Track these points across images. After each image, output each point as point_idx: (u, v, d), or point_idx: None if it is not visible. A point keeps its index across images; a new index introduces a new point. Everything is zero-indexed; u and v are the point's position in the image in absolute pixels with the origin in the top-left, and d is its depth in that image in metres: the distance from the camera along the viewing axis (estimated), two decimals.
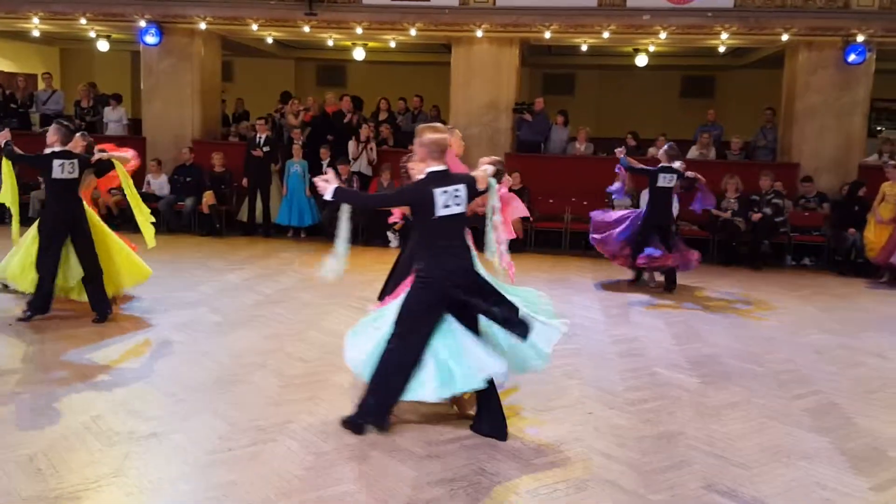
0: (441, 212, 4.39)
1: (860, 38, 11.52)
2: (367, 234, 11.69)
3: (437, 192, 4.38)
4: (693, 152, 12.77)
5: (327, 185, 4.46)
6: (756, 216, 11.08)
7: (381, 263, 9.97)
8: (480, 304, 4.42)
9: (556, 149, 13.14)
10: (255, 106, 15.84)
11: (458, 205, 4.47)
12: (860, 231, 10.67)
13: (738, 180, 11.36)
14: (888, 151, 12.11)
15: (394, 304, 4.68)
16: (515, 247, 11.40)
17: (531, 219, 11.87)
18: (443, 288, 4.42)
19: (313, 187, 12.38)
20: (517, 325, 4.39)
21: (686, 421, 5.01)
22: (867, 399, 5.56)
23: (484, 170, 4.74)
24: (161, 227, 12.24)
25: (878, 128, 16.41)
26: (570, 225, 12.19)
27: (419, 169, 4.73)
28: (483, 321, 4.58)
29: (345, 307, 7.74)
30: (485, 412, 4.58)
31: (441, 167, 4.48)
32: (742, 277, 10.27)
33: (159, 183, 12.65)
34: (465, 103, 12.87)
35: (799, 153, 12.22)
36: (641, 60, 14.32)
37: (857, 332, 7.49)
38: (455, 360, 4.43)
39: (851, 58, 11.65)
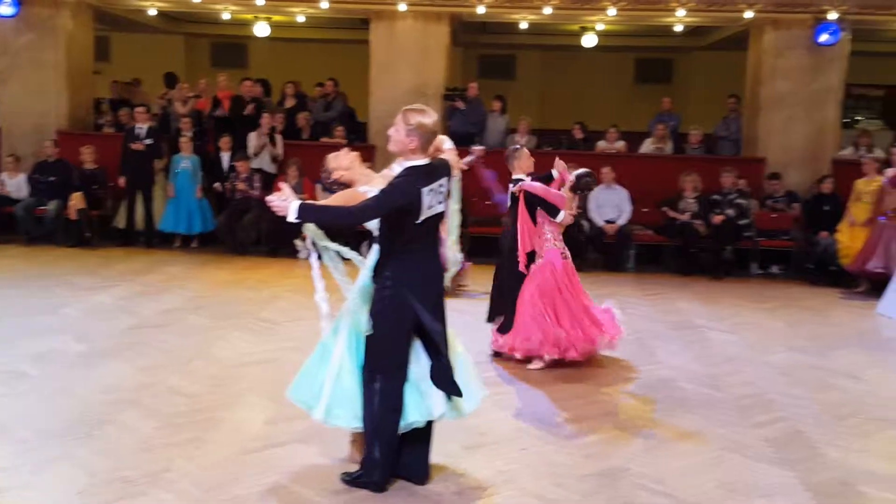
0: (425, 214, 4.22)
1: (832, 16, 11.97)
2: (271, 243, 11.55)
3: (425, 191, 4.18)
4: (647, 146, 13.05)
5: (286, 203, 4.05)
6: (717, 218, 11.37)
7: (287, 278, 9.91)
8: (436, 337, 4.38)
9: (493, 141, 13.24)
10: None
11: (440, 202, 4.33)
12: (833, 234, 11.04)
13: (697, 178, 11.64)
14: (865, 144, 12.59)
15: (344, 331, 4.49)
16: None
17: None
18: (411, 302, 4.29)
19: (207, 187, 12.34)
20: (450, 383, 4.39)
21: (634, 455, 5.08)
22: (837, 426, 5.74)
23: (449, 150, 4.61)
24: (18, 237, 11.93)
25: (855, 117, 17.05)
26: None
27: (358, 174, 4.59)
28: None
29: (241, 329, 7.62)
30: (408, 449, 4.55)
31: (425, 160, 4.27)
32: (702, 288, 10.51)
33: (16, 183, 12.29)
34: (387, 89, 12.88)
35: (765, 146, 12.61)
36: (589, 40, 14.58)
37: (828, 351, 7.74)
38: (411, 387, 4.40)
39: (823, 38, 12.09)
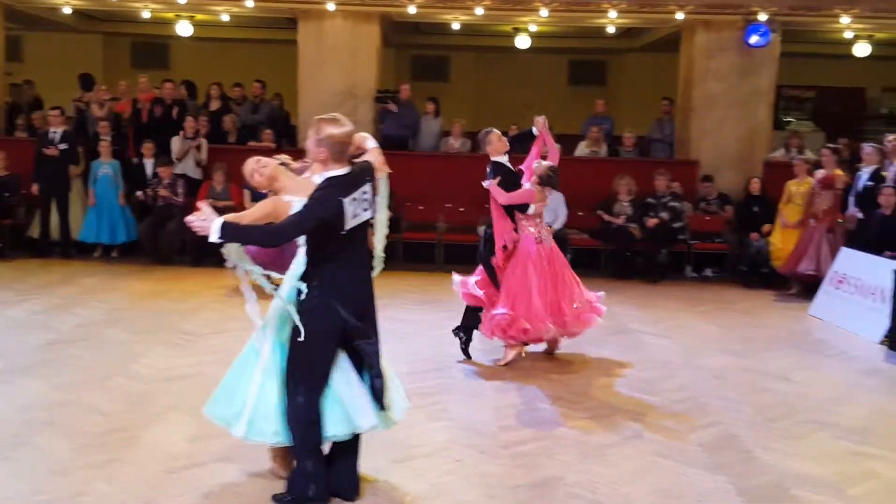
0: (350, 224, 4.23)
1: (762, 17, 12.28)
2: (196, 252, 11.38)
3: (347, 201, 4.19)
4: (582, 149, 13.22)
5: (206, 222, 4.01)
6: (652, 222, 11.59)
7: (212, 288, 9.78)
8: (367, 347, 4.38)
9: (426, 145, 13.28)
10: (51, 92, 15.14)
11: (365, 209, 4.33)
12: (764, 236, 11.31)
13: (632, 181, 11.85)
14: (795, 145, 12.95)
15: (261, 342, 4.49)
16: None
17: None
18: (338, 312, 4.27)
19: (129, 194, 12.10)
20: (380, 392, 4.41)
21: (567, 464, 5.13)
22: (769, 429, 5.88)
23: (373, 149, 4.61)
24: None
25: (787, 118, 17.51)
26: (443, 236, 12.33)
27: (286, 180, 4.55)
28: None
29: (162, 343, 7.50)
30: (335, 464, 4.52)
31: (345, 170, 4.28)
32: (637, 293, 10.68)
33: None
34: (316, 91, 12.81)
35: (698, 149, 12.88)
36: (523, 42, 14.72)
37: (760, 353, 7.94)
38: (333, 400, 4.37)
39: (753, 39, 12.40)
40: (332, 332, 4.31)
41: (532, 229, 7.37)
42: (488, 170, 7.41)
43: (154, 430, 5.39)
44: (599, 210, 11.99)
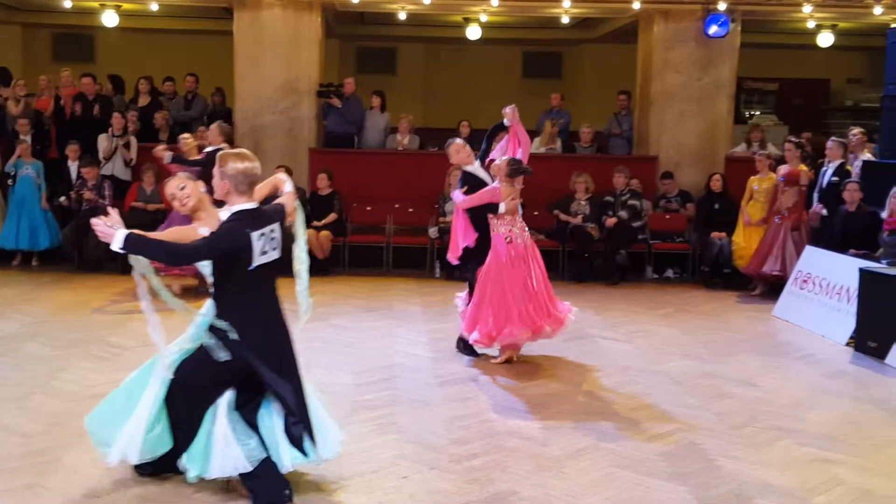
0: (258, 259, 4.42)
1: (722, 6, 12.44)
2: (126, 261, 11.17)
3: (255, 235, 4.38)
4: (536, 145, 13.26)
5: (111, 229, 4.21)
6: (610, 221, 11.68)
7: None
8: (281, 392, 4.49)
9: (372, 141, 13.25)
10: None
11: (274, 249, 4.52)
12: (728, 235, 11.46)
13: (589, 178, 11.93)
14: (757, 140, 13.15)
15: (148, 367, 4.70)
16: (321, 268, 11.50)
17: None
18: (243, 361, 4.45)
19: (51, 197, 11.87)
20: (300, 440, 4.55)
21: (522, 477, 5.15)
22: (732, 436, 5.95)
23: (288, 193, 4.83)
24: None
25: (751, 112, 17.78)
26: (392, 239, 12.29)
27: (204, 206, 4.74)
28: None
29: (87, 358, 7.37)
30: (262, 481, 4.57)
31: (251, 204, 4.49)
32: (596, 295, 10.75)
33: None
34: (255, 85, 12.71)
35: (657, 144, 13.02)
36: (474, 32, 14.76)
37: (723, 357, 8.04)
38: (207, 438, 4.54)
39: (712, 30, 12.56)
40: (226, 381, 4.54)
41: (503, 229, 7.52)
42: (458, 181, 7.72)
43: (76, 452, 5.27)
44: (555, 209, 12.05)
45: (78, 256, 11.54)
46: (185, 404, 4.55)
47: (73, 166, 11.85)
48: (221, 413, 4.53)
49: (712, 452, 5.63)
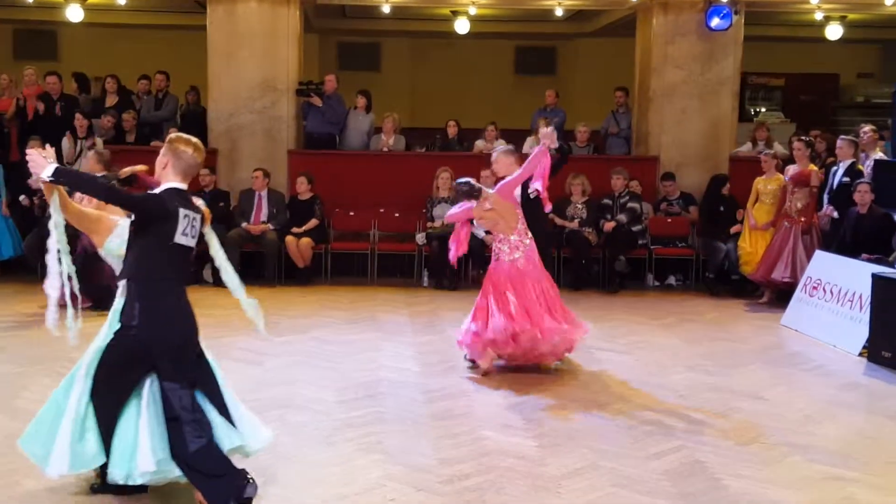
0: (179, 238, 4.65)
1: None
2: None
3: (182, 211, 4.66)
4: (530, 144, 13.26)
5: (45, 160, 4.51)
6: (608, 225, 11.70)
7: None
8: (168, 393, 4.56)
9: (355, 143, 13.23)
10: None
11: (193, 237, 4.76)
12: (733, 239, 11.48)
13: (586, 180, 11.94)
14: (762, 138, 13.17)
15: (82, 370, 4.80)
16: (301, 277, 11.47)
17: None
18: (150, 350, 4.58)
19: (13, 203, 11.79)
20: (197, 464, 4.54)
21: (516, 499, 5.13)
22: (740, 453, 5.95)
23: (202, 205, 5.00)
24: None
25: (756, 109, 17.83)
26: (377, 246, 12.28)
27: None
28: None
29: (50, 375, 7.28)
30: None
31: (182, 186, 4.80)
32: (594, 304, 10.76)
33: None
34: (230, 83, 12.69)
35: (657, 144, 13.04)
36: (462, 26, 14.76)
37: (729, 369, 8.04)
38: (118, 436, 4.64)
39: (714, 22, 12.60)
40: (135, 364, 4.63)
41: (495, 245, 7.89)
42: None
43: (38, 476, 5.23)
44: (550, 213, 12.01)
45: (41, 266, 11.45)
46: (106, 404, 4.67)
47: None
48: (144, 409, 4.62)
49: (718, 471, 5.61)
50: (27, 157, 4.59)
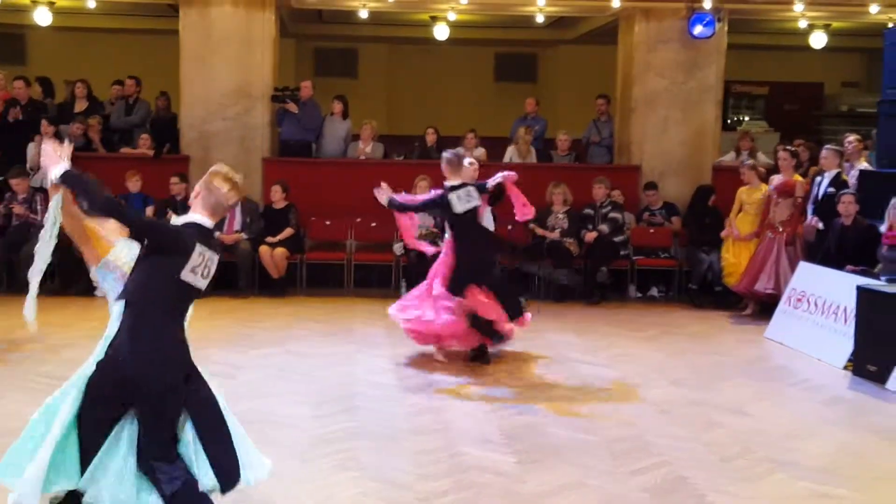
0: (187, 276, 4.42)
1: (707, 5, 12.54)
2: (64, 278, 11.07)
3: (198, 248, 4.44)
4: (511, 154, 13.31)
5: (59, 158, 4.38)
6: (590, 235, 11.73)
7: (81, 321, 9.52)
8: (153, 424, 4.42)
9: (332, 150, 13.21)
10: None
11: (205, 277, 4.51)
12: (716, 250, 11.52)
13: (567, 189, 11.96)
14: (746, 148, 13.23)
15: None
16: (276, 288, 11.42)
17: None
18: (132, 388, 4.37)
19: None
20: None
21: None
22: (723, 469, 5.97)
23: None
24: None
25: (740, 118, 17.95)
26: (353, 256, 12.26)
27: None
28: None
29: (15, 389, 7.26)
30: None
31: (208, 221, 4.59)
32: (575, 316, 10.80)
33: None
34: (203, 89, 12.65)
35: (639, 152, 13.09)
36: (441, 32, 14.79)
37: (712, 383, 8.06)
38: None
39: (697, 30, 12.67)
40: (113, 398, 4.44)
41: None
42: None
43: (3, 496, 5.18)
44: (531, 223, 12.04)
45: (7, 277, 11.37)
46: (88, 433, 4.48)
47: None
48: (122, 446, 4.47)
49: (702, 487, 5.63)
50: (42, 148, 4.46)
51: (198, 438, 4.46)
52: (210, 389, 4.62)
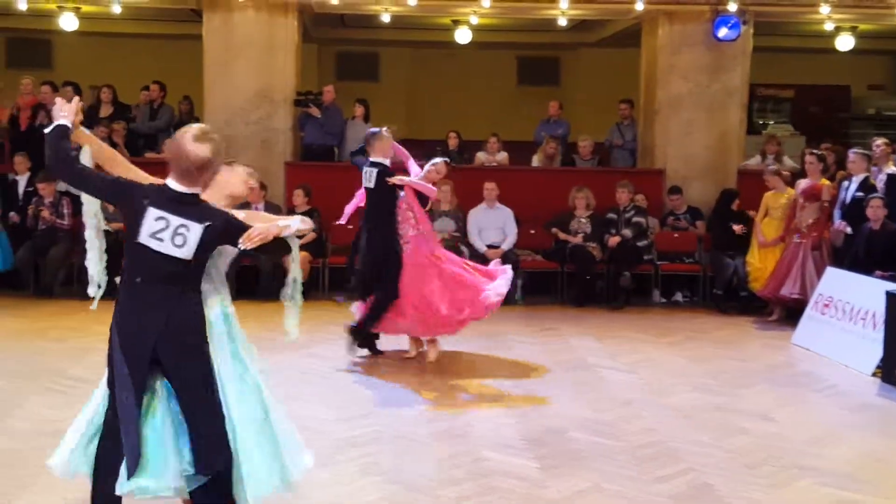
0: (145, 239, 4.24)
1: (732, 7, 12.52)
2: (87, 282, 11.13)
3: (152, 210, 4.22)
4: (536, 163, 13.33)
5: (61, 112, 4.34)
6: (613, 240, 11.72)
7: (105, 324, 9.49)
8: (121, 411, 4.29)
9: None
10: None
11: (177, 245, 4.25)
12: (741, 255, 11.48)
13: (590, 194, 11.97)
14: (773, 152, 13.17)
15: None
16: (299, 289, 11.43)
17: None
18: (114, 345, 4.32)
19: (4, 216, 11.80)
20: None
21: None
22: (748, 476, 5.94)
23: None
24: None
25: (765, 121, 17.85)
26: None
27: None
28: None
29: (42, 392, 7.33)
30: None
31: (180, 188, 4.29)
32: (598, 321, 10.79)
33: None
34: (225, 93, 12.74)
35: (663, 156, 13.08)
36: (463, 36, 14.80)
37: (737, 389, 8.03)
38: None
39: (722, 32, 12.63)
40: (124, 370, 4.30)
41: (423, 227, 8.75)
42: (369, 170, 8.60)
43: (30, 496, 5.24)
44: (554, 227, 12.06)
45: (33, 281, 11.48)
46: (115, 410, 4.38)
47: (21, 180, 11.84)
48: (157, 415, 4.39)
49: (726, 494, 5.61)
50: (56, 100, 4.47)
51: (179, 418, 4.35)
52: (204, 370, 4.39)
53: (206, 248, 4.33)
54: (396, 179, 8.41)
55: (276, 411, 4.65)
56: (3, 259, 11.69)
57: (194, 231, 4.25)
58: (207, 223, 4.28)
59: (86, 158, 4.50)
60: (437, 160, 8.90)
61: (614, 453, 6.28)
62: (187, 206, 4.28)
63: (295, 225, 4.52)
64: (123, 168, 4.61)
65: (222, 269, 4.69)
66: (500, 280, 8.53)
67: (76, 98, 4.51)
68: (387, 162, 8.55)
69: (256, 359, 4.72)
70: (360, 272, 8.81)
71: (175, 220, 4.24)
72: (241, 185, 4.81)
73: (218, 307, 4.60)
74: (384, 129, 8.76)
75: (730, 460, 6.21)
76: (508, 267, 8.81)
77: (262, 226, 4.36)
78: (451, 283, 8.43)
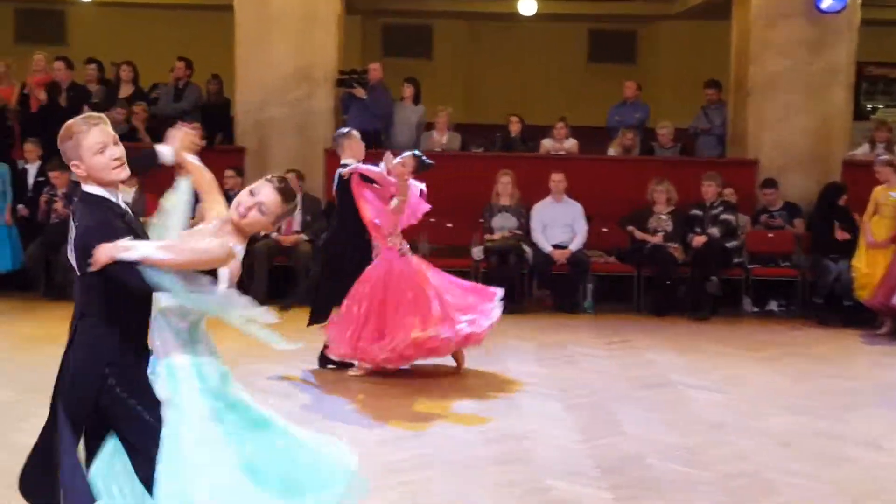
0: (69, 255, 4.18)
1: None
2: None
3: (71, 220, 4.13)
4: (611, 154, 13.25)
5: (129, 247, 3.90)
6: (698, 240, 11.61)
7: None
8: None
9: (403, 140, 13.29)
10: None
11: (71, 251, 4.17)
12: (846, 258, 11.32)
13: (671, 187, 11.87)
14: (883, 140, 12.99)
15: None
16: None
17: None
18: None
19: (13, 209, 11.98)
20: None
21: None
22: None
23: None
24: None
25: (874, 105, 17.60)
26: (429, 258, 12.25)
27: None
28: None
29: None
30: None
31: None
32: (680, 332, 10.70)
33: None
34: (259, 72, 12.83)
35: (757, 145, 12.94)
36: (528, 7, 14.80)
37: (841, 412, 7.88)
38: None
39: (826, 3, 12.48)
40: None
41: (394, 239, 8.90)
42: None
43: None
44: (629, 225, 11.98)
45: (44, 281, 11.63)
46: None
47: (31, 168, 12.02)
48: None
49: None
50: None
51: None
52: (130, 409, 4.20)
53: (79, 255, 4.00)
54: (348, 170, 8.53)
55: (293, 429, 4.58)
56: (11, 257, 11.88)
57: (72, 232, 4.07)
58: (77, 223, 4.05)
59: (183, 192, 4.45)
60: (406, 154, 8.98)
61: (700, 484, 6.20)
62: (78, 202, 4.15)
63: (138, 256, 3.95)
64: (213, 201, 4.57)
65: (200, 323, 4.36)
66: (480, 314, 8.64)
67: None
68: (353, 163, 8.67)
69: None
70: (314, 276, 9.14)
71: (71, 224, 4.09)
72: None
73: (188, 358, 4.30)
74: (353, 129, 9.15)
75: (834, 493, 6.10)
76: (497, 295, 8.84)
77: (108, 245, 3.91)
78: (423, 308, 8.43)
